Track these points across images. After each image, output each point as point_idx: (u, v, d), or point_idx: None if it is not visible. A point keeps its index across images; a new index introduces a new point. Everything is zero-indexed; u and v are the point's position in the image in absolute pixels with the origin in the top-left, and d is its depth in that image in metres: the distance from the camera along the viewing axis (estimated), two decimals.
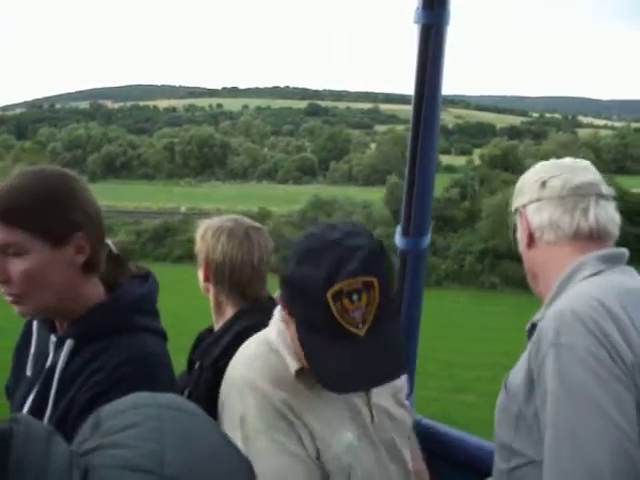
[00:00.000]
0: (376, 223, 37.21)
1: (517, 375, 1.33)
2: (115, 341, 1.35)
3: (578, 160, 1.50)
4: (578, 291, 1.30)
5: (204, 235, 1.98)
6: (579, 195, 1.41)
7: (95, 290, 1.42)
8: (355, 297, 1.16)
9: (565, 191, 1.41)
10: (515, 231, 1.57)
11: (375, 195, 52.26)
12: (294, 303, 1.26)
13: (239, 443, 1.27)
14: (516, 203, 1.54)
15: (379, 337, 1.19)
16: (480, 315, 29.76)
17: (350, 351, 1.18)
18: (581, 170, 1.45)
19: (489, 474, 1.66)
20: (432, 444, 2.07)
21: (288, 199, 59.66)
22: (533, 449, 1.25)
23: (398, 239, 2.17)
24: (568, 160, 1.51)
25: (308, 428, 1.34)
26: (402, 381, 1.58)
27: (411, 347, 2.26)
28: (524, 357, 1.34)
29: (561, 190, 1.42)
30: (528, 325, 1.40)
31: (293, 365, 1.35)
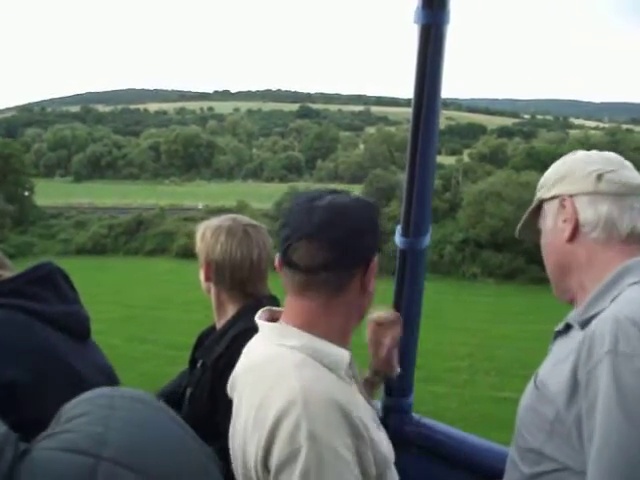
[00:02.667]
0: None
1: (556, 377, 1.27)
2: None
3: (620, 157, 1.43)
4: (630, 297, 1.24)
5: (203, 236, 2.00)
6: (637, 195, 1.36)
7: None
8: None
9: (624, 189, 1.35)
10: (535, 215, 1.48)
11: (358, 190, 51.27)
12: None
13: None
14: (558, 189, 1.42)
15: None
16: (459, 305, 28.95)
17: None
18: (632, 169, 1.40)
19: (488, 474, 1.72)
20: (432, 444, 2.21)
21: (271, 196, 58.59)
22: (568, 456, 1.22)
23: (398, 239, 2.14)
24: (613, 155, 1.43)
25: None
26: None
27: (411, 346, 2.23)
28: (565, 358, 1.26)
29: (619, 187, 1.35)
30: (561, 325, 1.36)
31: (345, 354, 1.30)
